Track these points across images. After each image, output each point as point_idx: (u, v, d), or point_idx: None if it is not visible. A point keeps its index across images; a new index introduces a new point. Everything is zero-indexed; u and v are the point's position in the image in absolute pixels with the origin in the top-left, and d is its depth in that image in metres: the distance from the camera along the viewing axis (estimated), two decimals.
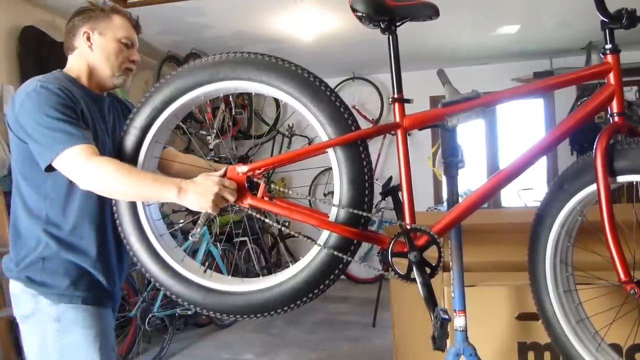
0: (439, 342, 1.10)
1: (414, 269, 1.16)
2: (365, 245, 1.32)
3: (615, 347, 1.46)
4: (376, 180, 5.67)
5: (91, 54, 1.46)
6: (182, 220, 3.95)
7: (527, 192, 4.95)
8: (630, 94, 5.42)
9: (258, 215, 1.21)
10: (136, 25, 1.57)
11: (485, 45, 5.21)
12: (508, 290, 1.66)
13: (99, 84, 1.49)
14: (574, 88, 5.14)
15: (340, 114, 1.16)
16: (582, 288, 1.33)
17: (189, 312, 3.66)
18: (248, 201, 1.20)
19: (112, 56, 1.46)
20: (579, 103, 4.05)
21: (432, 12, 1.22)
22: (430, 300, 1.13)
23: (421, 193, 5.81)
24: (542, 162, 5.74)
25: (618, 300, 1.33)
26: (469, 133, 5.90)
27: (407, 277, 1.17)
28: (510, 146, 6.00)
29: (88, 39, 1.47)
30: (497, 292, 1.67)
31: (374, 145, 5.82)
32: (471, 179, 4.74)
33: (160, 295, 3.45)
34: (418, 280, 1.14)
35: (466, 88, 1.28)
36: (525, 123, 6.04)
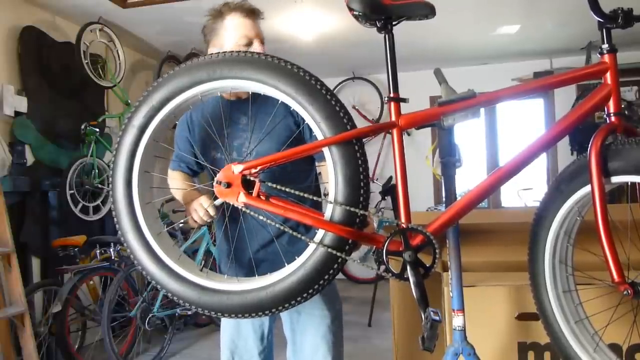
0: (427, 342, 1.09)
1: (408, 268, 1.15)
2: (364, 245, 1.32)
3: (615, 347, 1.45)
4: (376, 180, 5.67)
5: None
6: (181, 220, 3.95)
7: (527, 192, 4.95)
8: (630, 94, 5.41)
9: (252, 214, 1.21)
10: (251, 12, 1.56)
11: (485, 45, 5.21)
12: (508, 290, 1.66)
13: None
14: (574, 88, 5.14)
15: (335, 112, 1.16)
16: (581, 288, 1.33)
17: (189, 312, 3.67)
18: (243, 200, 1.20)
19: None
20: (578, 103, 4.05)
21: (429, 11, 1.22)
22: (422, 300, 1.12)
23: (421, 193, 5.81)
24: (542, 162, 5.74)
25: (616, 301, 1.33)
26: (469, 132, 5.90)
27: (401, 277, 1.17)
28: (510, 145, 6.00)
29: None
30: (497, 292, 1.67)
31: (374, 146, 5.82)
32: (471, 179, 4.74)
33: (160, 295, 3.45)
34: (411, 280, 1.14)
35: (466, 88, 1.28)
36: (525, 123, 6.04)
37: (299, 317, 1.68)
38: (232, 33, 1.54)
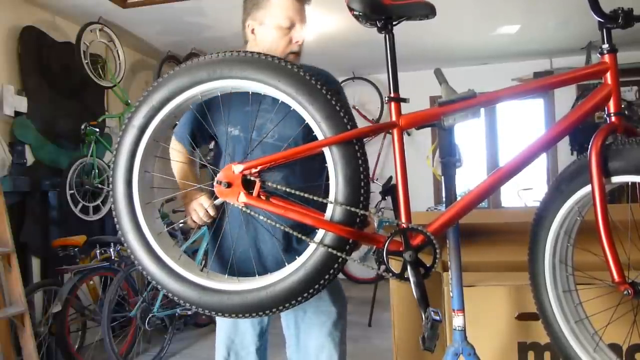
0: (428, 342, 1.10)
1: (408, 268, 1.16)
2: (364, 245, 1.32)
3: (615, 347, 1.45)
4: (376, 180, 5.67)
5: (257, 47, 1.44)
6: (181, 221, 3.96)
7: (527, 192, 4.94)
8: (630, 94, 5.41)
9: (252, 214, 1.21)
10: None
11: (485, 45, 5.21)
12: (508, 290, 1.66)
13: None
14: (574, 88, 5.14)
15: (336, 112, 1.16)
16: (581, 288, 1.33)
17: (189, 312, 3.66)
18: (243, 200, 1.20)
19: (274, 46, 1.40)
20: (579, 103, 4.05)
21: (429, 11, 1.22)
22: (423, 300, 1.13)
23: (421, 193, 5.80)
24: (542, 162, 5.74)
25: (616, 301, 1.33)
26: (469, 132, 5.90)
27: (401, 277, 1.17)
28: (510, 145, 6.00)
29: (252, 31, 1.46)
30: (497, 292, 1.67)
31: (374, 146, 5.82)
32: (471, 179, 4.74)
33: (160, 295, 3.45)
34: (411, 280, 1.14)
35: (466, 88, 1.28)
36: (525, 123, 6.04)
37: (304, 314, 1.64)
38: (276, 12, 1.46)
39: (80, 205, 3.70)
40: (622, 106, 1.18)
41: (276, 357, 1.83)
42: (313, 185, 1.46)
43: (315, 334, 1.62)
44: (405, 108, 1.24)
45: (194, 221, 1.46)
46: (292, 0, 1.47)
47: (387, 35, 1.23)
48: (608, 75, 1.16)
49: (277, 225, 1.23)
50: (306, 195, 1.19)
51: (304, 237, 1.19)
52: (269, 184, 1.21)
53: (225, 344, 1.68)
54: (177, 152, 1.61)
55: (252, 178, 1.21)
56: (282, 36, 1.45)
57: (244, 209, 1.22)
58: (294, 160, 1.24)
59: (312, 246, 1.19)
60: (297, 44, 1.46)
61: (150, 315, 3.42)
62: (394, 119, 1.22)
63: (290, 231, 1.22)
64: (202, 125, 1.54)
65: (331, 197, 1.17)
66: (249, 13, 1.52)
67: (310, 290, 1.18)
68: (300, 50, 1.47)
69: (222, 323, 1.72)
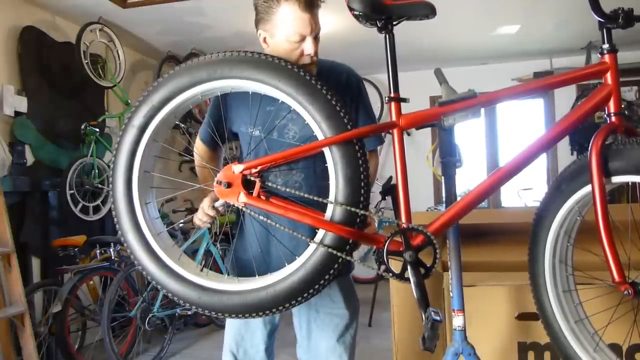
0: (428, 342, 1.10)
1: (408, 268, 1.16)
2: (365, 245, 1.31)
3: (615, 347, 1.46)
4: (376, 180, 5.67)
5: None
6: (181, 220, 3.95)
7: (527, 192, 4.94)
8: (630, 94, 5.42)
9: (252, 214, 1.21)
10: (309, 5, 1.36)
11: (485, 45, 5.21)
12: (508, 290, 1.66)
13: None
14: (574, 88, 5.14)
15: (336, 112, 1.16)
16: (581, 288, 1.33)
17: (189, 312, 3.67)
18: (243, 200, 1.20)
19: (285, 57, 1.31)
20: (579, 103, 4.04)
21: (429, 11, 1.22)
22: (423, 300, 1.13)
23: (421, 193, 5.81)
24: (542, 162, 5.74)
25: (616, 301, 1.33)
26: (469, 132, 5.90)
27: (402, 277, 1.17)
28: (510, 145, 6.00)
29: (265, 40, 1.42)
30: (497, 292, 1.67)
31: None
32: (471, 179, 4.74)
33: (160, 295, 3.45)
34: (411, 280, 1.14)
35: (466, 88, 1.28)
36: (525, 123, 6.04)
37: (317, 315, 1.61)
38: (285, 27, 1.36)
39: (80, 205, 3.70)
40: (622, 106, 1.18)
41: (277, 357, 1.83)
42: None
43: (327, 336, 1.60)
44: (405, 108, 1.24)
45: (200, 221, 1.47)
46: (299, 12, 1.35)
47: (387, 35, 1.23)
48: (608, 75, 1.16)
49: (279, 225, 1.23)
50: (306, 195, 1.19)
51: (303, 237, 1.19)
52: (269, 183, 1.21)
53: (235, 339, 1.64)
54: (197, 148, 1.62)
55: (252, 178, 1.21)
56: (293, 50, 1.37)
57: (244, 209, 1.22)
58: (313, 160, 1.23)
59: (312, 246, 1.19)
60: (309, 56, 1.38)
61: (150, 315, 3.42)
62: (394, 118, 1.22)
63: (290, 231, 1.22)
64: (220, 125, 1.49)
65: (331, 197, 1.17)
66: (258, 22, 1.44)
67: (311, 290, 1.18)
68: (314, 61, 1.40)
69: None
